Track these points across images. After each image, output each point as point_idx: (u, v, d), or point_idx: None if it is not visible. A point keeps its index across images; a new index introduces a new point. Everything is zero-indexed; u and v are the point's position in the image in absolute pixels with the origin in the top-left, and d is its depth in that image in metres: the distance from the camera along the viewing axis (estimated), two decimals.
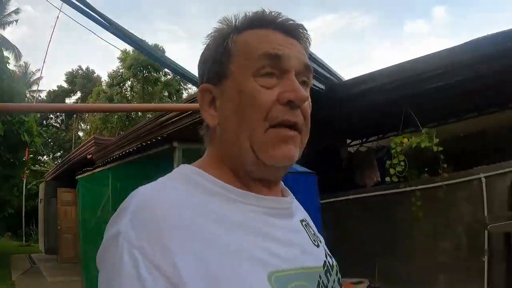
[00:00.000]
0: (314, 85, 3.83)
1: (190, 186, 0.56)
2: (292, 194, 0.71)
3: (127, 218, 0.49)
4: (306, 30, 0.64)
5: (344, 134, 5.60)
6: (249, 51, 0.59)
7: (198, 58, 0.68)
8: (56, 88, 25.87)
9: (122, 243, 0.47)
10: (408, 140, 3.63)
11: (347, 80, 4.29)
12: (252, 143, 0.57)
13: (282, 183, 0.70)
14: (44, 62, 21.07)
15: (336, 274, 0.68)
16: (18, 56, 21.64)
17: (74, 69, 26.46)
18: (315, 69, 3.88)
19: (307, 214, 0.75)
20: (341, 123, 4.69)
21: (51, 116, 26.29)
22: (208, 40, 0.66)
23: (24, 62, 23.63)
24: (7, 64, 9.71)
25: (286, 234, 0.59)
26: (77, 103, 26.55)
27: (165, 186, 0.56)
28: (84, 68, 26.79)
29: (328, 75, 4.00)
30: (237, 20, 0.64)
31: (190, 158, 3.94)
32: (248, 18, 0.63)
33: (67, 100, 26.65)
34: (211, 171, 0.59)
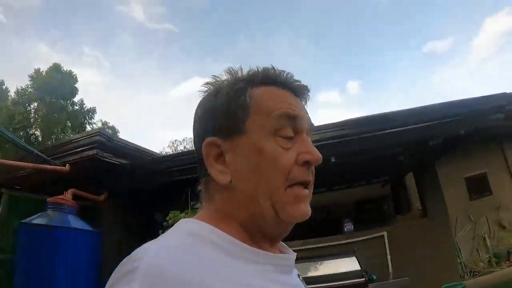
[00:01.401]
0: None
1: (207, 245, 0.54)
2: (290, 248, 0.71)
3: (137, 282, 0.45)
4: (309, 92, 0.67)
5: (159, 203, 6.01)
6: (268, 110, 0.60)
7: (197, 108, 0.66)
8: None
9: None
10: (180, 215, 4.47)
11: (153, 159, 5.11)
12: (274, 203, 0.57)
13: None
14: None
15: None
16: None
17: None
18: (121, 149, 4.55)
19: None
20: (152, 194, 5.15)
21: None
22: (211, 91, 0.65)
23: None
24: None
25: None
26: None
27: (179, 246, 0.52)
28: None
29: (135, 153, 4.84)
30: (249, 74, 0.64)
31: (17, 202, 4.74)
32: (262, 74, 0.64)
33: None
34: (223, 229, 0.57)
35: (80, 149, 4.33)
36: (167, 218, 4.44)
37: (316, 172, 0.63)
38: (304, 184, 0.60)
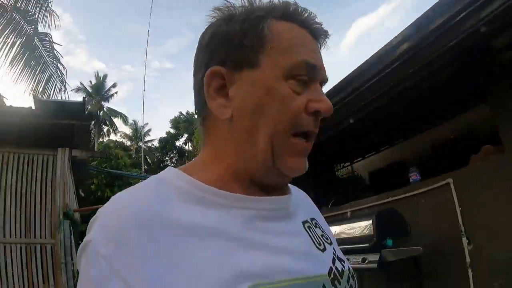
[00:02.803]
0: None
1: (171, 192, 0.50)
2: (295, 191, 0.66)
3: (97, 226, 0.46)
4: (328, 38, 0.61)
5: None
6: (288, 48, 0.54)
7: (205, 32, 0.58)
8: (165, 135, 30.48)
9: (92, 251, 0.44)
10: None
11: None
12: (274, 147, 0.53)
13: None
14: (143, 113, 25.75)
15: (348, 281, 0.59)
16: (125, 119, 28.03)
17: (176, 116, 30.65)
18: None
19: (317, 212, 0.70)
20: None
21: (167, 158, 31.32)
22: (223, 16, 0.57)
23: (133, 121, 29.76)
24: None
25: (278, 239, 0.52)
26: (186, 144, 31.25)
27: (141, 192, 0.50)
28: (184, 113, 30.87)
29: None
30: (269, 4, 0.57)
31: None
32: (282, 6, 0.57)
33: (177, 143, 31.13)
34: (198, 174, 0.54)
35: None
36: None
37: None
38: (307, 136, 0.55)
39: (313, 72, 0.55)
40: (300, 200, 0.65)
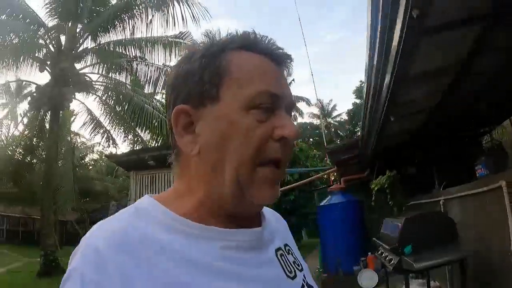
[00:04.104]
0: None
1: (150, 220, 0.53)
2: (270, 216, 0.67)
3: (80, 254, 0.48)
4: (292, 62, 0.62)
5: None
6: (246, 80, 0.55)
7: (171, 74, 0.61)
8: (352, 106, 30.93)
9: (78, 277, 0.46)
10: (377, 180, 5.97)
11: None
12: (240, 176, 0.54)
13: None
14: (315, 92, 26.74)
15: None
16: (308, 101, 30.55)
17: (357, 85, 29.52)
18: None
19: (289, 237, 0.71)
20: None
21: (357, 128, 31.77)
22: (186, 55, 0.60)
23: (318, 100, 31.91)
24: None
25: (252, 270, 0.55)
26: None
27: (121, 220, 0.53)
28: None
29: None
30: (228, 37, 0.59)
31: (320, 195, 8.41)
32: (241, 37, 0.59)
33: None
34: (173, 205, 0.56)
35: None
36: (372, 185, 6.10)
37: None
38: (277, 163, 0.56)
39: (275, 101, 0.56)
40: (276, 226, 0.68)
